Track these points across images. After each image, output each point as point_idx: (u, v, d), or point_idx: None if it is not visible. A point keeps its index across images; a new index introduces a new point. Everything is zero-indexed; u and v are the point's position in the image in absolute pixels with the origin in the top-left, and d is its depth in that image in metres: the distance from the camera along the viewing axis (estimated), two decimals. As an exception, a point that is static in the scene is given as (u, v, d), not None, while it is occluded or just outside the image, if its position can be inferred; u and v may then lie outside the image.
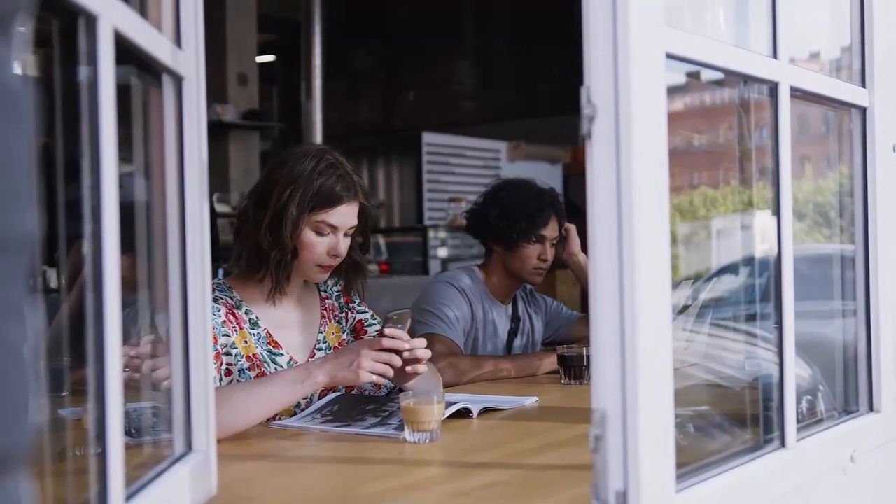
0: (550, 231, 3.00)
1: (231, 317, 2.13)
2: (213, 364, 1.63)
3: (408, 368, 2.01)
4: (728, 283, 1.87)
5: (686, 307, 1.86)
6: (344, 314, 2.34)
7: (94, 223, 0.98)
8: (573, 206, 5.62)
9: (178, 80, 1.31)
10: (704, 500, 1.26)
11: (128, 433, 1.20)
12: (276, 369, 2.12)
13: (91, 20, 0.97)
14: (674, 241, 1.19)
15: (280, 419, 2.10)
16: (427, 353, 2.04)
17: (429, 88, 10.73)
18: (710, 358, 1.82)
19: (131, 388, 1.41)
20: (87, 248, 0.98)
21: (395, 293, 5.82)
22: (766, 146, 1.52)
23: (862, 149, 1.79)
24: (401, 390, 2.09)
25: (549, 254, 3.01)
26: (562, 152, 9.09)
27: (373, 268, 7.37)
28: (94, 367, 0.98)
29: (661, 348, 1.16)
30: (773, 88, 1.49)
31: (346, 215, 2.15)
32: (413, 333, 2.25)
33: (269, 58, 10.06)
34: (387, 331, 1.99)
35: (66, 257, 1.10)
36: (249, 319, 2.17)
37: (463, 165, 9.06)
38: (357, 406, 2.09)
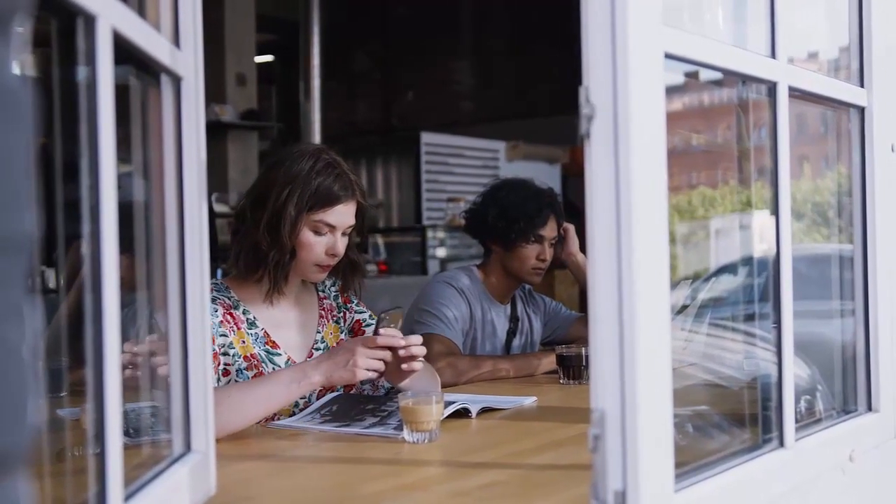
0: (549, 231, 3.00)
1: (228, 317, 2.14)
2: (211, 364, 1.63)
3: (403, 366, 2.02)
4: (727, 283, 1.87)
5: (685, 307, 1.86)
6: (342, 314, 2.34)
7: (92, 223, 0.98)
8: (572, 206, 5.63)
9: (176, 81, 1.31)
10: (703, 499, 1.26)
11: (126, 433, 1.20)
12: (273, 369, 2.12)
13: (90, 20, 0.97)
14: (672, 240, 1.19)
15: (279, 419, 2.10)
16: (422, 351, 2.04)
17: (427, 88, 10.73)
18: (708, 358, 1.82)
19: (134, 384, 1.42)
20: (85, 248, 0.98)
21: (393, 293, 5.82)
22: (765, 146, 1.53)
23: (860, 148, 1.79)
24: (399, 390, 2.09)
25: (548, 254, 3.01)
26: (560, 152, 9.10)
27: (371, 268, 7.37)
28: (92, 367, 0.98)
29: (660, 348, 1.16)
30: (772, 88, 1.49)
31: (344, 215, 2.15)
32: (412, 333, 2.25)
33: (268, 58, 10.06)
34: (382, 331, 2.00)
35: (65, 257, 1.10)
36: (247, 319, 2.17)
37: (462, 165, 9.06)
38: (356, 406, 2.08)
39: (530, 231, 2.96)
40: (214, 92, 7.33)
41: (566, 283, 6.22)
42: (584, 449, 1.15)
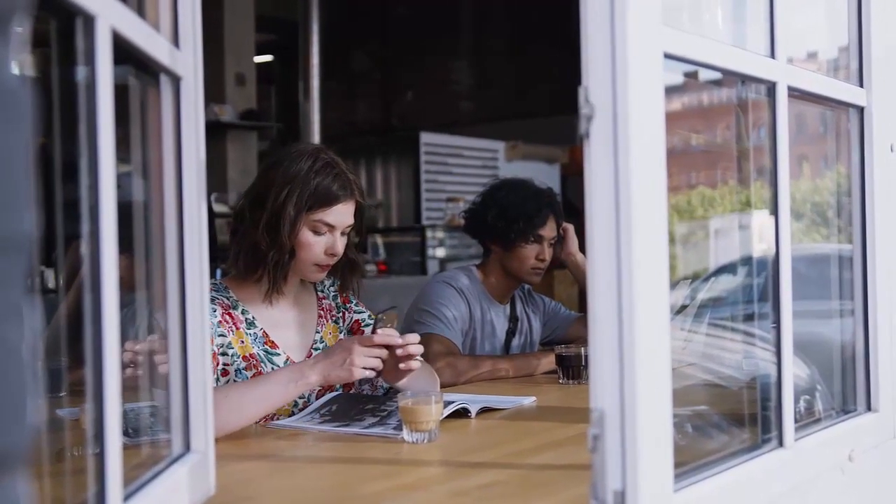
0: (548, 231, 3.00)
1: (227, 317, 2.14)
2: (211, 364, 1.63)
3: (401, 365, 2.02)
4: (726, 283, 1.87)
5: (684, 307, 1.86)
6: (341, 314, 2.34)
7: (91, 223, 0.98)
8: (571, 206, 5.63)
9: (175, 80, 1.31)
10: (703, 499, 1.26)
11: (126, 433, 1.20)
12: (272, 369, 2.12)
13: (89, 20, 0.97)
14: (672, 240, 1.19)
15: (278, 419, 2.10)
16: (419, 350, 2.05)
17: (427, 88, 10.73)
18: (708, 357, 1.83)
19: (136, 384, 1.42)
20: (84, 248, 0.98)
21: (393, 293, 5.81)
22: (764, 146, 1.53)
23: (860, 148, 1.79)
24: (397, 390, 2.09)
25: (547, 254, 3.01)
26: (559, 152, 9.09)
27: (371, 268, 7.36)
28: (92, 367, 0.98)
29: (660, 348, 1.16)
30: (771, 88, 1.49)
31: (343, 214, 2.15)
32: (411, 333, 2.25)
33: (267, 58, 10.05)
34: (379, 331, 2.00)
35: (64, 257, 1.10)
36: (246, 319, 2.17)
37: (461, 165, 9.06)
38: (356, 406, 2.09)
39: (529, 231, 2.96)
40: (214, 92, 7.32)
41: (565, 283, 6.22)
42: (583, 449, 1.15)
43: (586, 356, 2.57)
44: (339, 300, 2.35)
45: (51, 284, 3.15)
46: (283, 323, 2.23)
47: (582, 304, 4.95)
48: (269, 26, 8.84)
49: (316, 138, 7.36)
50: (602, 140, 1.12)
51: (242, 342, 2.13)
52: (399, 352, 2.00)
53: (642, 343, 1.11)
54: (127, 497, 1.06)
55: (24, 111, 0.67)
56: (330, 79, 8.15)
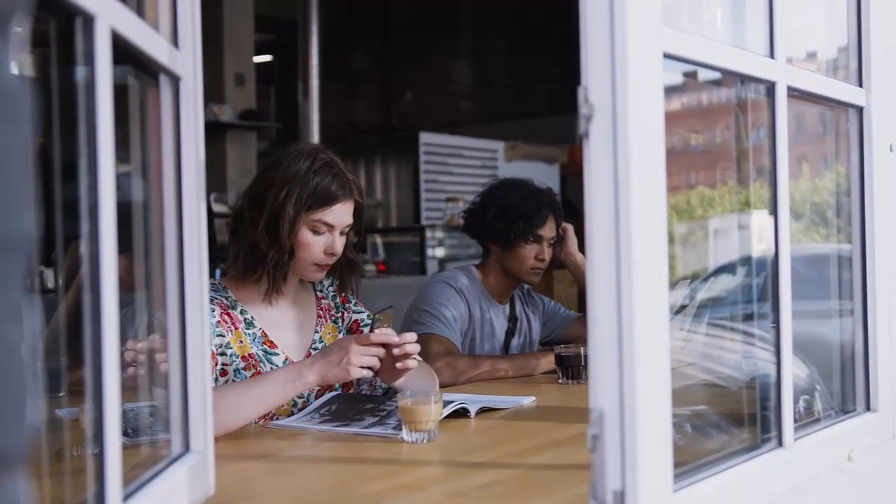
0: (548, 231, 3.00)
1: (226, 317, 2.14)
2: (210, 364, 1.63)
3: (398, 364, 2.02)
4: (725, 283, 1.87)
5: (683, 307, 1.86)
6: (340, 314, 2.35)
7: (91, 223, 0.98)
8: (570, 206, 5.63)
9: (175, 80, 1.31)
10: (702, 499, 1.26)
11: (125, 433, 1.20)
12: (271, 369, 2.13)
13: (88, 20, 0.97)
14: (671, 240, 1.19)
15: (278, 419, 2.10)
16: (416, 348, 2.05)
17: (426, 88, 10.73)
18: (707, 357, 1.83)
19: (138, 382, 1.42)
20: (84, 248, 0.98)
21: (392, 293, 5.81)
22: (764, 146, 1.53)
23: (859, 148, 1.79)
24: (396, 390, 2.09)
25: (547, 254, 3.01)
26: (559, 152, 9.09)
27: (370, 268, 7.36)
28: (91, 367, 0.98)
29: (659, 348, 1.16)
30: (770, 88, 1.49)
31: (342, 214, 2.15)
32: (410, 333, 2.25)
33: (267, 58, 10.05)
34: (377, 330, 2.01)
35: (64, 257, 1.10)
36: (245, 319, 2.17)
37: (460, 165, 9.06)
38: (355, 405, 2.09)
39: (529, 231, 2.96)
40: (213, 92, 7.32)
41: (565, 283, 6.22)
42: (582, 449, 1.15)
43: (586, 356, 2.57)
44: (337, 300, 2.35)
45: (50, 284, 3.14)
46: (282, 323, 2.23)
47: (581, 303, 4.95)
48: (269, 26, 8.84)
49: (315, 138, 7.36)
50: (601, 140, 1.12)
51: (241, 342, 2.13)
52: (396, 351, 2.01)
53: (642, 343, 1.11)
54: (126, 497, 1.06)
55: (24, 111, 0.67)
56: (329, 79, 8.15)
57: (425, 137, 8.91)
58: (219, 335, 2.10)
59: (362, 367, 1.95)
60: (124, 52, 1.09)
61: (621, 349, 1.11)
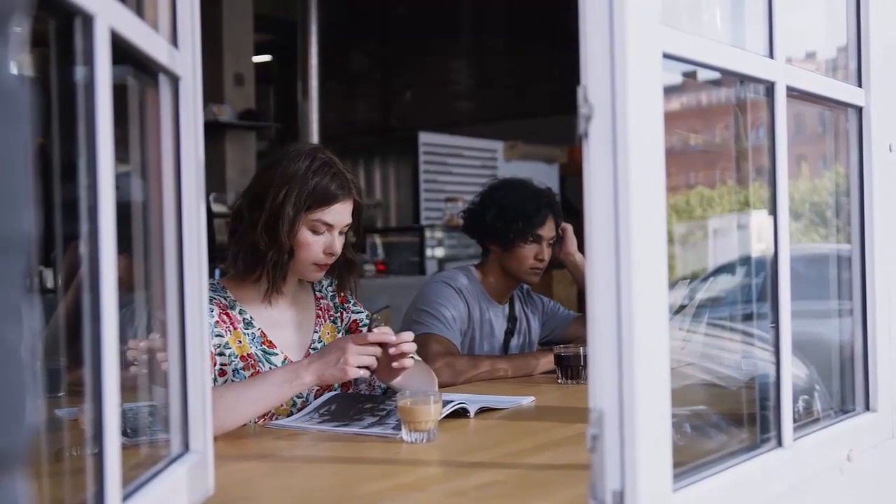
0: (547, 231, 3.00)
1: (225, 317, 2.14)
2: (209, 364, 1.63)
3: (394, 364, 2.03)
4: (725, 283, 1.87)
5: (683, 307, 1.86)
6: (339, 314, 2.35)
7: (90, 223, 0.98)
8: (570, 206, 5.63)
9: (174, 80, 1.31)
10: (701, 499, 1.26)
11: (124, 433, 1.20)
12: (270, 368, 2.13)
13: (87, 20, 0.97)
14: (670, 240, 1.19)
15: (277, 419, 2.10)
16: (412, 347, 2.06)
17: (426, 88, 10.73)
18: (706, 357, 1.83)
19: (141, 382, 1.42)
20: (83, 248, 0.98)
21: (391, 293, 5.81)
22: (763, 146, 1.53)
23: (858, 148, 1.79)
24: (394, 390, 2.09)
25: (546, 254, 3.01)
26: (558, 152, 9.09)
27: (369, 268, 7.36)
28: (90, 367, 0.98)
29: (659, 348, 1.16)
30: (770, 88, 1.49)
31: (341, 213, 2.16)
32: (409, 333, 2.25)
33: (266, 58, 10.05)
34: (375, 330, 2.01)
35: (63, 257, 1.10)
36: (243, 319, 2.17)
37: (460, 165, 9.05)
38: (354, 405, 2.09)
39: (528, 231, 2.96)
40: (212, 92, 7.32)
41: (564, 283, 6.22)
42: (582, 449, 1.15)
43: (585, 356, 2.56)
44: (336, 300, 2.36)
45: (49, 284, 3.14)
46: (282, 323, 2.23)
47: (581, 303, 4.95)
48: (268, 26, 8.84)
49: (315, 138, 7.35)
50: (601, 140, 1.12)
51: (240, 342, 2.13)
52: (392, 350, 2.01)
53: (641, 343, 1.11)
54: (126, 497, 1.06)
55: (23, 111, 0.67)
56: (329, 79, 8.15)
57: (425, 137, 8.91)
58: (217, 335, 2.10)
59: (359, 368, 1.96)
60: (123, 51, 1.09)
61: (621, 349, 1.11)
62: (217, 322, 2.11)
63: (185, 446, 1.34)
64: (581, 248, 3.03)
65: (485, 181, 3.28)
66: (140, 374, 1.43)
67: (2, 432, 0.63)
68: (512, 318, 3.11)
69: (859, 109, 1.78)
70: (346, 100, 10.97)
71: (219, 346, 2.09)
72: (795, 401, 1.54)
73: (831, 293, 1.87)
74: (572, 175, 8.61)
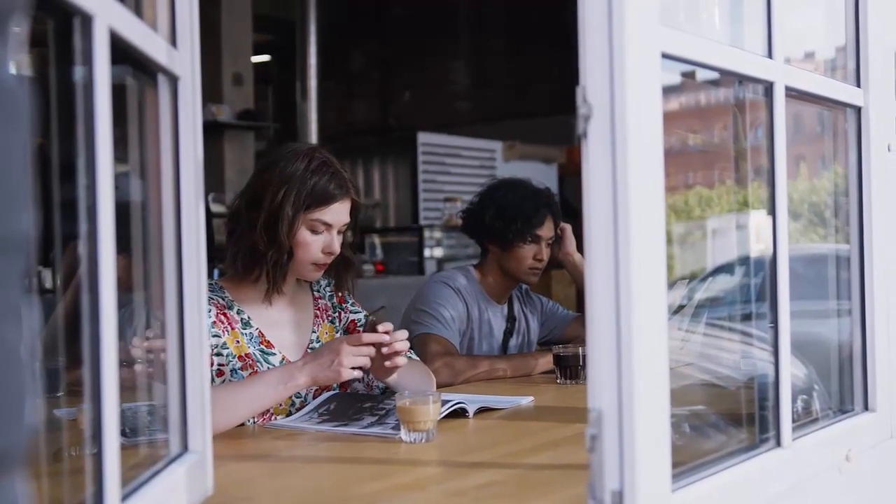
0: (546, 231, 3.00)
1: (222, 317, 2.14)
2: (208, 365, 1.63)
3: (387, 363, 2.04)
4: (723, 283, 1.87)
5: (681, 307, 1.86)
6: (337, 314, 2.35)
7: (89, 223, 0.98)
8: (569, 206, 5.63)
9: (173, 80, 1.31)
10: (700, 499, 1.26)
11: (123, 433, 1.20)
12: (268, 368, 2.13)
13: (86, 20, 0.97)
14: (669, 240, 1.19)
15: (276, 419, 2.10)
16: (405, 346, 2.06)
17: (425, 88, 10.73)
18: (705, 357, 1.83)
19: (144, 380, 1.42)
20: (82, 248, 0.98)
21: (390, 293, 5.82)
22: (762, 146, 1.53)
23: (857, 148, 1.79)
24: (393, 390, 2.10)
25: (545, 254, 3.01)
26: (557, 152, 9.09)
27: (368, 268, 7.37)
28: (89, 367, 0.98)
29: (657, 348, 1.16)
30: (769, 88, 1.49)
31: (339, 213, 2.16)
32: (409, 333, 2.25)
33: (265, 58, 10.05)
34: (379, 327, 2.02)
35: (62, 257, 1.10)
36: (241, 319, 2.17)
37: (459, 165, 9.06)
38: (354, 405, 2.09)
39: (527, 231, 2.96)
40: (211, 92, 7.32)
41: (563, 283, 6.22)
42: (581, 449, 1.15)
43: (584, 356, 2.56)
44: (334, 300, 2.36)
45: (48, 284, 3.14)
46: (280, 323, 2.23)
47: (580, 303, 4.95)
48: (267, 26, 8.84)
49: (313, 138, 7.36)
50: (600, 140, 1.12)
51: (238, 342, 2.13)
52: (385, 350, 2.02)
53: (640, 343, 1.11)
54: (125, 497, 1.06)
55: (23, 111, 0.67)
56: (327, 79, 8.15)
57: (423, 137, 8.91)
58: (214, 335, 2.10)
59: (353, 368, 1.97)
60: (122, 51, 1.09)
61: (620, 349, 1.11)
62: (214, 322, 2.11)
63: (184, 446, 1.34)
64: (580, 248, 3.03)
65: (484, 181, 3.28)
66: (147, 372, 1.43)
67: (1, 432, 0.63)
68: (511, 318, 3.11)
69: (858, 109, 1.78)
70: (344, 100, 10.97)
71: (216, 346, 2.09)
72: (794, 401, 1.54)
73: (830, 293, 1.87)
74: (571, 175, 8.60)
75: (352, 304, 2.38)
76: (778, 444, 1.48)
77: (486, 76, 10.64)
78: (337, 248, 2.17)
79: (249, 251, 2.14)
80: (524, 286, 3.17)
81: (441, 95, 10.62)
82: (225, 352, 2.11)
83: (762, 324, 1.57)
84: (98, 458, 0.98)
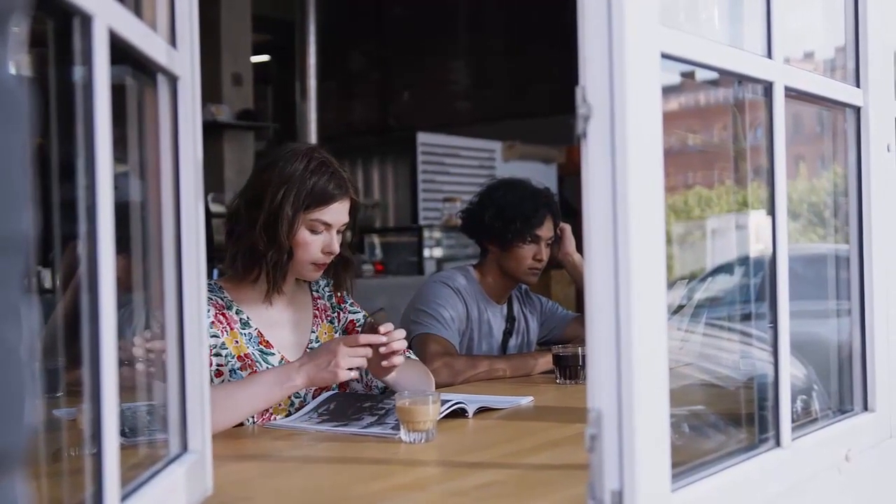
0: (545, 231, 3.00)
1: (221, 317, 2.14)
2: (207, 365, 1.63)
3: (384, 363, 2.04)
4: (723, 283, 1.87)
5: (681, 307, 1.86)
6: (336, 314, 2.35)
7: (89, 223, 0.97)
8: (568, 206, 5.63)
9: (172, 80, 1.31)
10: (700, 499, 1.26)
11: (122, 433, 1.20)
12: (267, 368, 2.13)
13: (86, 20, 0.97)
14: (669, 240, 1.19)
15: (275, 419, 2.10)
16: (402, 345, 2.06)
17: (424, 88, 10.73)
18: (705, 357, 1.83)
19: (146, 378, 1.42)
20: (81, 248, 0.98)
21: (389, 293, 5.82)
22: (761, 146, 1.53)
23: (856, 148, 1.79)
24: (393, 390, 2.10)
25: (545, 254, 3.01)
26: (556, 152, 9.09)
27: (368, 268, 7.37)
28: (89, 367, 0.98)
29: (657, 348, 1.16)
30: (768, 88, 1.49)
31: (339, 213, 2.16)
32: (408, 334, 2.26)
33: (264, 58, 10.05)
34: (381, 328, 2.02)
35: (61, 257, 1.10)
36: (240, 319, 2.17)
37: (458, 165, 9.06)
38: (353, 404, 2.09)
39: (527, 231, 2.96)
40: (210, 92, 7.32)
41: (563, 283, 6.22)
42: (580, 449, 1.15)
43: (583, 356, 2.56)
44: (333, 300, 2.36)
45: (47, 284, 3.14)
46: (279, 323, 2.23)
47: (579, 304, 4.95)
48: (266, 26, 8.84)
49: (313, 138, 7.36)
50: (599, 140, 1.12)
51: (237, 342, 2.13)
52: (382, 349, 2.02)
53: (640, 343, 1.11)
54: (124, 497, 1.06)
55: (22, 111, 0.67)
56: (327, 79, 8.14)
57: (423, 137, 8.92)
58: (213, 336, 2.10)
59: (350, 369, 1.97)
60: (122, 51, 1.09)
61: (619, 349, 1.11)
62: (212, 322, 2.11)
63: (184, 446, 1.34)
64: (579, 248, 3.03)
65: (483, 181, 3.28)
66: (147, 372, 1.43)
67: (1, 432, 0.63)
68: (510, 319, 3.11)
69: (857, 109, 1.78)
70: (344, 100, 10.96)
71: (214, 346, 2.10)
72: (794, 401, 1.54)
73: (829, 293, 1.87)
74: (570, 175, 8.60)
75: (350, 305, 2.38)
76: (777, 444, 1.48)
77: (485, 76, 10.63)
78: (336, 248, 2.18)
79: (249, 251, 2.14)
80: (524, 286, 3.17)
81: (440, 95, 10.62)
82: (224, 352, 2.11)
83: (761, 324, 1.57)
84: (97, 458, 0.98)
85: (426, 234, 8.02)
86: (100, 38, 0.98)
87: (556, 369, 2.67)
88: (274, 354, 2.17)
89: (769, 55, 1.49)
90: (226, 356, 2.11)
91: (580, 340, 2.71)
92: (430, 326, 2.85)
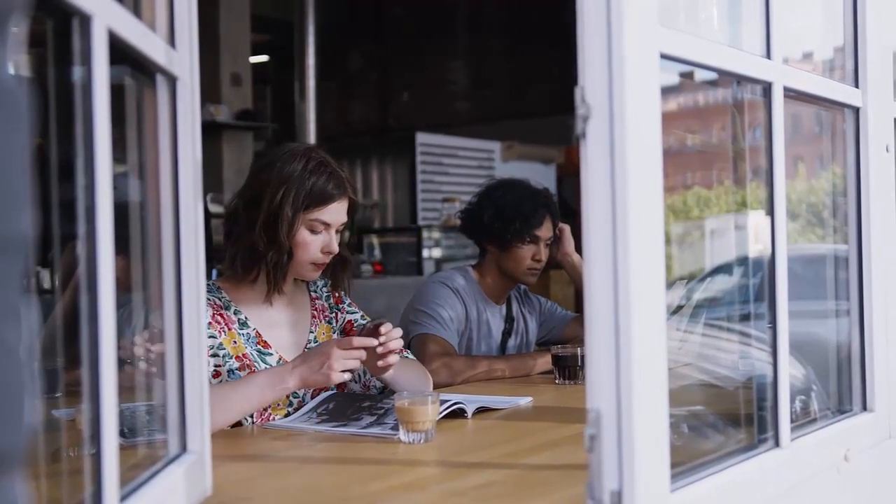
0: (545, 231, 3.00)
1: (219, 318, 2.14)
2: (206, 365, 1.63)
3: (379, 363, 2.04)
4: (722, 283, 1.87)
5: (680, 307, 1.86)
6: (334, 314, 2.35)
7: (88, 224, 0.97)
8: (567, 207, 5.63)
9: (172, 80, 1.31)
10: (699, 499, 1.26)
11: (122, 434, 1.20)
12: (266, 368, 2.13)
13: (85, 20, 0.97)
14: (668, 241, 1.19)
15: (274, 419, 2.10)
16: (399, 344, 2.06)
17: (423, 88, 10.73)
18: (704, 358, 1.83)
19: (147, 377, 1.42)
20: (81, 248, 0.98)
21: (388, 293, 5.82)
22: (760, 146, 1.53)
23: (855, 149, 1.79)
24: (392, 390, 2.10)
25: (544, 254, 3.01)
26: (555, 152, 9.09)
27: (367, 268, 7.37)
28: (88, 367, 0.98)
29: (656, 348, 1.16)
30: (767, 88, 1.49)
31: (338, 212, 2.17)
32: (407, 334, 2.26)
33: (263, 58, 10.05)
34: (382, 329, 2.02)
35: (60, 258, 1.10)
36: (238, 320, 2.17)
37: (457, 166, 9.06)
38: (352, 404, 2.09)
39: (526, 231, 2.96)
40: (209, 92, 7.32)
41: (562, 284, 6.23)
42: (579, 449, 1.15)
43: (582, 356, 2.57)
44: (331, 300, 2.36)
45: (46, 285, 3.14)
46: (277, 323, 2.23)
47: (578, 304, 4.95)
48: (265, 26, 8.84)
49: (312, 139, 7.37)
50: (598, 140, 1.12)
51: (235, 342, 2.13)
52: (379, 349, 2.02)
53: (639, 343, 1.11)
54: (123, 498, 1.06)
55: (22, 111, 0.67)
56: (326, 79, 8.15)
57: (422, 138, 8.92)
58: (210, 336, 2.10)
59: (343, 371, 1.97)
60: (121, 52, 1.09)
61: (618, 349, 1.11)
62: (210, 323, 2.11)
63: (183, 447, 1.34)
64: (578, 248, 3.03)
65: (482, 181, 3.28)
66: (146, 372, 1.43)
67: (1, 432, 0.63)
68: (509, 319, 3.11)
69: (856, 110, 1.78)
70: (343, 100, 10.96)
71: (212, 346, 2.09)
72: (792, 401, 1.54)
73: (828, 293, 1.87)
74: (569, 175, 8.61)
75: (348, 305, 2.38)
76: (776, 444, 1.48)
77: (484, 76, 10.63)
78: (336, 248, 2.18)
79: (248, 252, 2.14)
80: (523, 286, 3.17)
81: (440, 96, 10.62)
82: (222, 352, 2.11)
83: (760, 324, 1.57)
84: (97, 458, 0.98)
85: (425, 234, 8.03)
86: (99, 39, 0.98)
87: (555, 370, 2.67)
88: (272, 355, 2.17)
89: (768, 55, 1.49)
90: (224, 356, 2.11)
91: (579, 341, 2.71)
92: (428, 327, 2.85)
